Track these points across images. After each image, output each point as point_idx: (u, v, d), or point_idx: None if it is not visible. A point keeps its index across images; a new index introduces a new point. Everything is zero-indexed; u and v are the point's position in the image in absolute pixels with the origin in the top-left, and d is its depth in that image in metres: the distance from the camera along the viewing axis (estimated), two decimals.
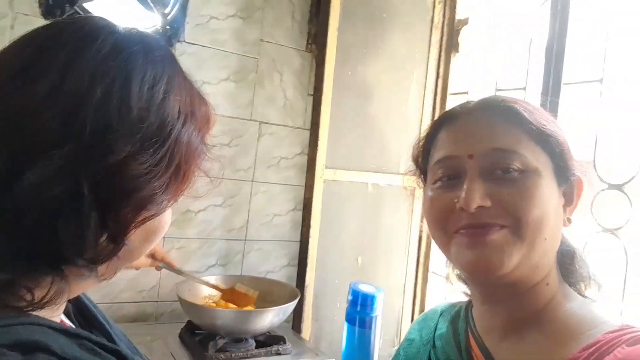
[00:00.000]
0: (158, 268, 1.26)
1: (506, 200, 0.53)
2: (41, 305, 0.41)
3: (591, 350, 0.48)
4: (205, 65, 1.66)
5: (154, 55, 0.47)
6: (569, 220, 0.58)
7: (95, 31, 0.44)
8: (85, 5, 1.46)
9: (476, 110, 0.60)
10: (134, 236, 0.46)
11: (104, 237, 0.42)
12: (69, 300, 0.57)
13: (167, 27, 1.57)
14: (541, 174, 0.55)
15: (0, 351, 0.36)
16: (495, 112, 0.58)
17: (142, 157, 0.43)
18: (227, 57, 1.70)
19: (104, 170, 0.40)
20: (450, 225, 0.57)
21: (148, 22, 1.57)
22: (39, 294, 0.41)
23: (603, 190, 1.22)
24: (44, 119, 0.39)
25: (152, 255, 1.22)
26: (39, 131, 0.39)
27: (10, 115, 0.39)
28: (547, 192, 0.54)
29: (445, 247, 0.59)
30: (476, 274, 0.56)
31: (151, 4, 1.53)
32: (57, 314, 0.47)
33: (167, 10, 1.58)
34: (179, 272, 1.32)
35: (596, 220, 1.21)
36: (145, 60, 0.45)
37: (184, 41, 1.61)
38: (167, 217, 0.50)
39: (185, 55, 1.62)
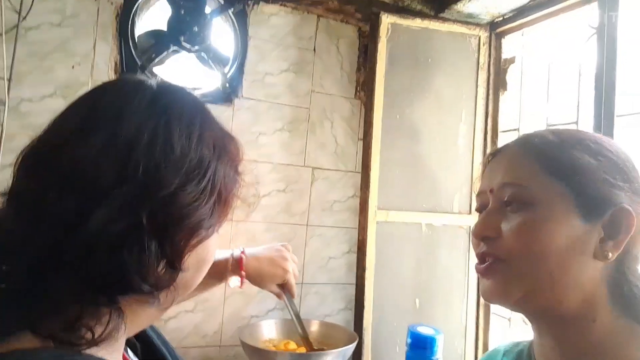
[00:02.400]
0: (281, 297, 1.20)
1: (506, 234, 0.56)
2: (98, 342, 0.45)
3: None
4: (261, 118, 1.77)
5: (187, 100, 0.54)
6: (604, 254, 0.54)
7: (134, 88, 0.52)
8: (155, 69, 1.63)
9: (508, 146, 0.63)
10: (188, 264, 0.50)
11: (162, 265, 0.47)
12: (136, 338, 0.61)
13: (227, 84, 1.71)
14: (550, 207, 0.54)
15: None
16: (517, 147, 0.61)
17: (188, 187, 0.48)
18: (281, 109, 1.80)
19: (157, 203, 0.46)
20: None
21: (210, 81, 1.71)
22: (98, 331, 0.45)
23: None
24: (102, 166, 0.45)
25: (282, 286, 1.18)
26: (99, 177, 0.45)
27: (74, 166, 0.45)
28: (554, 226, 0.54)
29: None
30: (486, 301, 0.60)
31: (212, 65, 1.67)
32: (116, 350, 0.50)
33: (226, 70, 1.72)
34: (293, 307, 1.25)
35: None
36: (181, 106, 0.52)
37: (242, 97, 1.74)
38: (213, 245, 0.55)
39: (243, 110, 1.74)
